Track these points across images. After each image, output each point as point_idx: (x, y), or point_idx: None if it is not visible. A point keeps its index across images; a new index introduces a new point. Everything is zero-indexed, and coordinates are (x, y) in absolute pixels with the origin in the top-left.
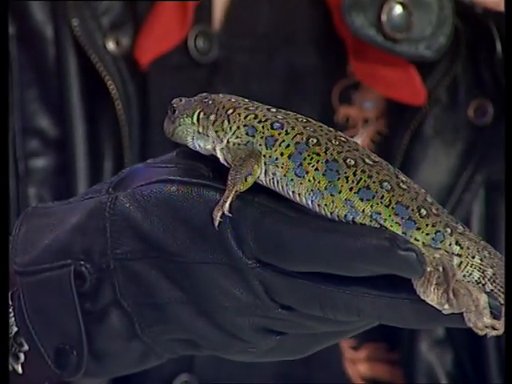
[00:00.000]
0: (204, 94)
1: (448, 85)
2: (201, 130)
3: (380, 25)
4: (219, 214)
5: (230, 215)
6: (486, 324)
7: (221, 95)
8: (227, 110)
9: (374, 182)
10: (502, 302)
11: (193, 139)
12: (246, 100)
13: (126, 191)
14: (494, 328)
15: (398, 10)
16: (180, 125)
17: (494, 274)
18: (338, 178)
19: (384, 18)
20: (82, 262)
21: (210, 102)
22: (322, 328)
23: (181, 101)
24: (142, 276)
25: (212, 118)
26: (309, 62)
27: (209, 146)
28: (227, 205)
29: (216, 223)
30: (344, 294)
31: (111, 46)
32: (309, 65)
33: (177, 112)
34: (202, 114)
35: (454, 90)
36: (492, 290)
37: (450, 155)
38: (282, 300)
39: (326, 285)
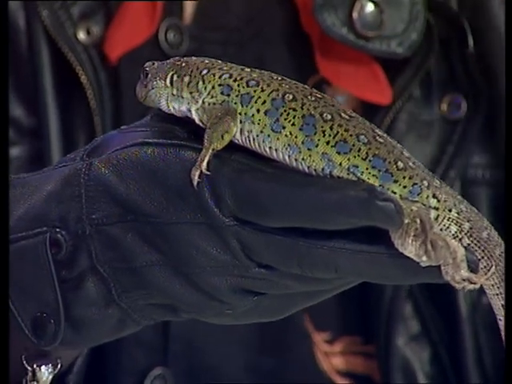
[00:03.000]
0: (176, 57)
1: (421, 80)
2: (175, 92)
3: (351, 23)
4: (197, 173)
5: (208, 173)
6: (463, 277)
7: (193, 58)
8: (201, 71)
9: (350, 136)
10: (479, 256)
11: (167, 102)
12: (220, 61)
13: (101, 157)
14: (470, 281)
15: (369, 7)
16: (153, 88)
17: (470, 228)
18: (315, 133)
19: (355, 15)
20: (58, 229)
21: (184, 65)
22: (300, 287)
23: (153, 64)
24: (118, 240)
25: (186, 79)
26: (279, 57)
27: (183, 108)
28: (204, 163)
29: (194, 182)
30: (322, 250)
31: (82, 35)
32: (279, 59)
33: (149, 75)
34: (175, 76)
35: (427, 85)
36: (469, 245)
37: (423, 150)
38: (260, 258)
39: (304, 241)
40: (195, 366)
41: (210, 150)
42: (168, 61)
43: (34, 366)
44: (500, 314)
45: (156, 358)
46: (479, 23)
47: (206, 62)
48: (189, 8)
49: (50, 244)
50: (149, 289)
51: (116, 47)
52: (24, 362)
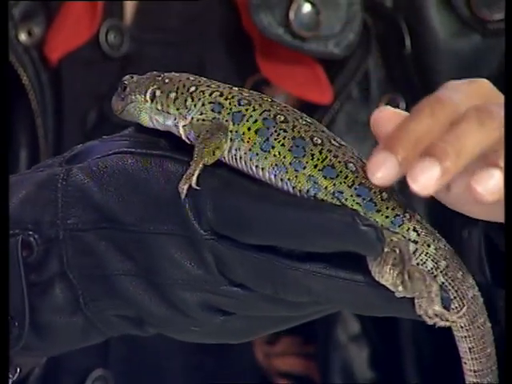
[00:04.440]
0: (154, 72)
1: (359, 80)
2: (159, 107)
3: (288, 23)
4: (186, 186)
5: (198, 188)
6: (436, 312)
7: (174, 73)
8: (188, 88)
9: (339, 162)
10: (452, 296)
11: (149, 116)
12: (204, 78)
13: (80, 164)
14: (442, 318)
15: (306, 8)
16: (132, 102)
17: (447, 267)
18: (304, 155)
19: (292, 16)
20: (31, 233)
21: (167, 81)
22: (270, 310)
23: (132, 78)
24: (91, 247)
25: (172, 95)
26: (219, 58)
27: (169, 123)
28: (194, 177)
29: (183, 196)
30: (296, 272)
31: (23, 36)
32: (219, 60)
33: (128, 89)
34: (158, 91)
35: (366, 86)
36: (443, 283)
37: (362, 151)
38: (233, 275)
39: (279, 261)
40: (136, 367)
41: (200, 165)
42: (147, 75)
43: None
44: (466, 358)
45: (96, 360)
46: (415, 24)
47: (192, 78)
48: (129, 9)
49: (22, 247)
50: (118, 298)
51: (56, 48)
52: None
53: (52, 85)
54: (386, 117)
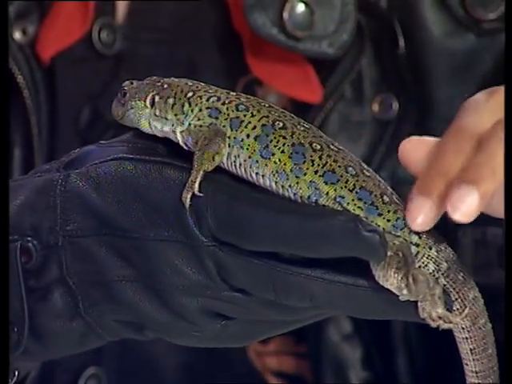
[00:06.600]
0: (154, 77)
1: (352, 80)
2: (158, 113)
3: (282, 23)
4: (189, 195)
5: (201, 195)
6: (439, 314)
7: (173, 79)
8: (186, 94)
9: (339, 167)
10: (453, 298)
11: (148, 122)
12: (202, 83)
13: (78, 169)
14: (445, 320)
15: (300, 7)
16: (132, 108)
17: (448, 269)
18: (304, 161)
19: (286, 16)
20: (30, 238)
21: (166, 86)
22: (271, 315)
23: (132, 84)
24: (91, 253)
25: (170, 101)
26: (210, 58)
27: (167, 129)
28: (196, 185)
29: (187, 205)
30: (298, 277)
31: (17, 35)
32: (210, 60)
33: (128, 95)
34: (157, 97)
35: (359, 86)
36: (444, 285)
37: (354, 151)
38: (235, 281)
39: (281, 267)
40: (129, 365)
41: (201, 172)
42: (146, 81)
43: None
44: (467, 359)
45: (89, 358)
46: (409, 24)
47: (190, 84)
48: (122, 8)
49: (21, 253)
50: (118, 304)
51: (49, 47)
52: None
53: (46, 83)
54: (413, 146)
